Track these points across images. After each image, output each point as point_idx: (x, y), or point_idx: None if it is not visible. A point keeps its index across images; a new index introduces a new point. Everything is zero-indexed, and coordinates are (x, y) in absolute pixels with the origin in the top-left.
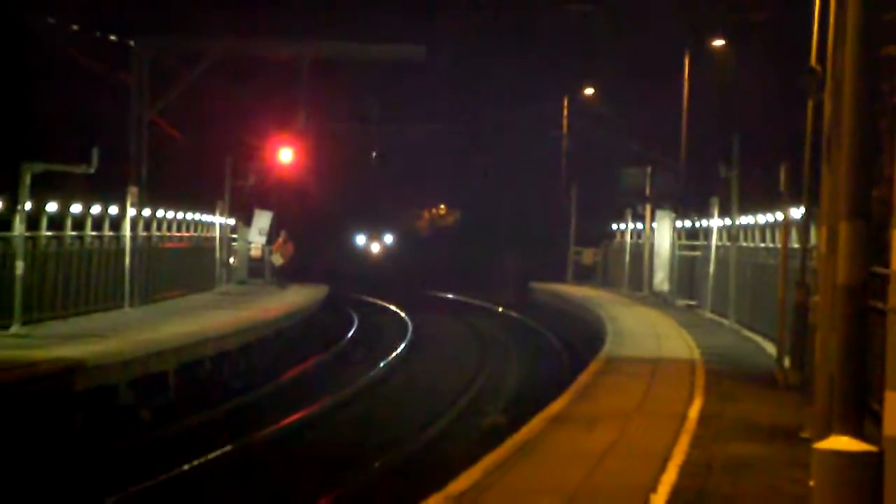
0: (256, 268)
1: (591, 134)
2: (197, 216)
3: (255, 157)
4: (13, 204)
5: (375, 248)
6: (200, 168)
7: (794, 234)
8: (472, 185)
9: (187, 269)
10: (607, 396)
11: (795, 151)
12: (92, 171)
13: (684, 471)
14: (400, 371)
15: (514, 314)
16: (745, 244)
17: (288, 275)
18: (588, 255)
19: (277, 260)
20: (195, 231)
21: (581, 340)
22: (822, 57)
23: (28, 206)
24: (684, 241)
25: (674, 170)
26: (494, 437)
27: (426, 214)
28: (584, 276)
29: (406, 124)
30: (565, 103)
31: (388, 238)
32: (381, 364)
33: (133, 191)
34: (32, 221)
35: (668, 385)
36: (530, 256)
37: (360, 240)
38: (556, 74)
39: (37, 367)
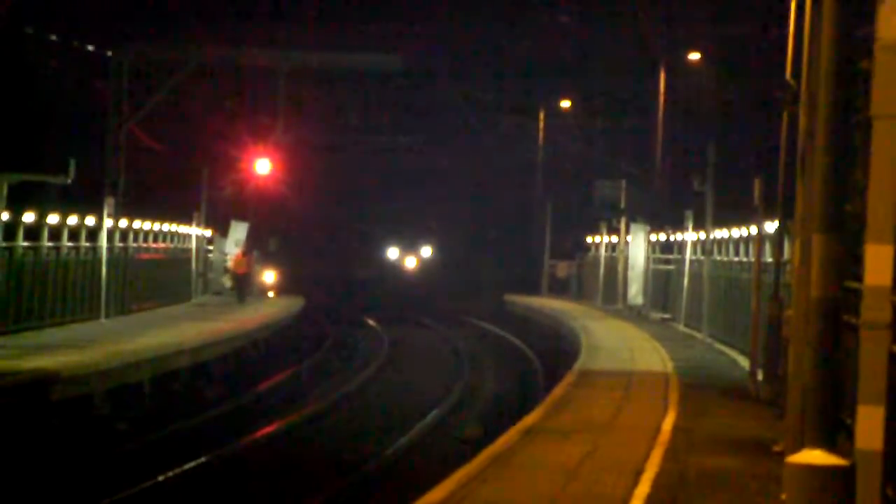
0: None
1: (566, 147)
2: (173, 227)
3: (232, 167)
4: None
5: (411, 262)
6: (177, 179)
7: (767, 248)
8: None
9: (163, 280)
10: (581, 409)
11: (770, 165)
12: (69, 181)
13: (657, 483)
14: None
15: (488, 326)
16: (719, 258)
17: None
18: (562, 269)
19: (227, 281)
20: (172, 242)
21: (555, 353)
22: (797, 71)
23: (4, 216)
24: (658, 255)
25: (649, 183)
26: (469, 449)
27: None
28: (559, 289)
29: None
30: (541, 116)
31: (426, 250)
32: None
33: (110, 201)
34: (9, 232)
35: (642, 398)
36: (505, 269)
37: (393, 253)
38: (532, 87)
39: (12, 377)
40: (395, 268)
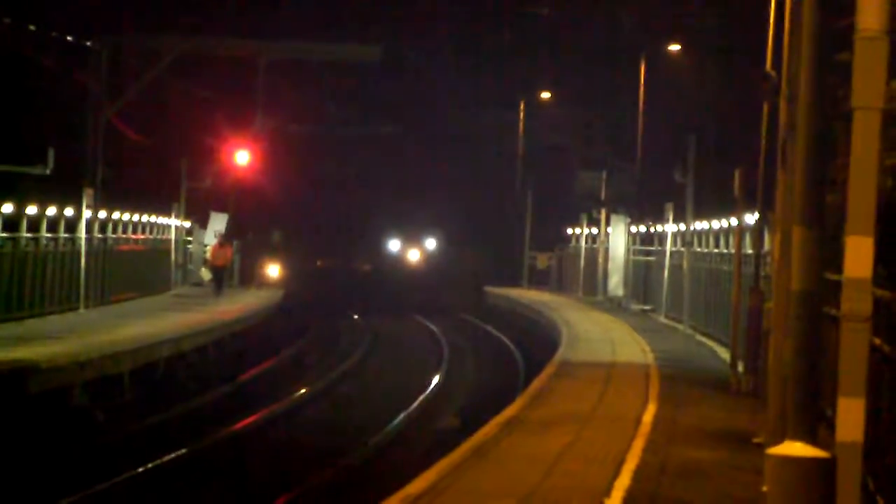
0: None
1: (546, 137)
2: (153, 218)
3: (211, 158)
4: None
5: (414, 255)
6: (157, 169)
7: (748, 240)
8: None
9: (143, 271)
10: (562, 401)
11: (750, 157)
12: (48, 172)
13: (638, 475)
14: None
15: (469, 318)
16: (699, 249)
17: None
18: (543, 260)
19: (206, 274)
20: (151, 233)
21: (536, 344)
22: (777, 62)
23: None
24: (639, 246)
25: (629, 174)
26: (449, 441)
27: None
28: (539, 280)
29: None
30: (521, 107)
31: (430, 243)
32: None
33: (89, 192)
34: None
35: (623, 390)
36: (484, 260)
37: (394, 245)
38: (512, 77)
39: None
40: (397, 261)
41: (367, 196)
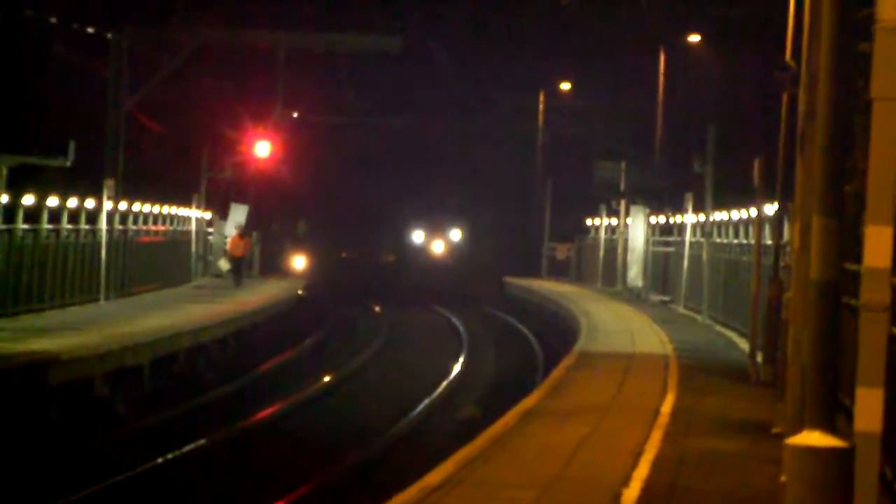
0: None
1: (566, 128)
2: (173, 210)
3: (232, 150)
4: None
5: (439, 246)
6: (177, 161)
7: (767, 230)
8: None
9: (163, 262)
10: (581, 391)
11: (770, 147)
12: (69, 164)
13: (656, 465)
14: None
15: (488, 309)
16: (718, 240)
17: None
18: (562, 251)
19: (224, 264)
20: (171, 224)
21: (555, 335)
22: (797, 52)
23: (4, 198)
24: (658, 237)
25: (649, 165)
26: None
27: None
28: (558, 271)
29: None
30: (541, 97)
31: (455, 234)
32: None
33: (109, 184)
34: (8, 214)
35: (641, 380)
36: (504, 251)
37: (418, 237)
38: (532, 68)
39: (12, 360)
40: (420, 253)
41: (389, 186)
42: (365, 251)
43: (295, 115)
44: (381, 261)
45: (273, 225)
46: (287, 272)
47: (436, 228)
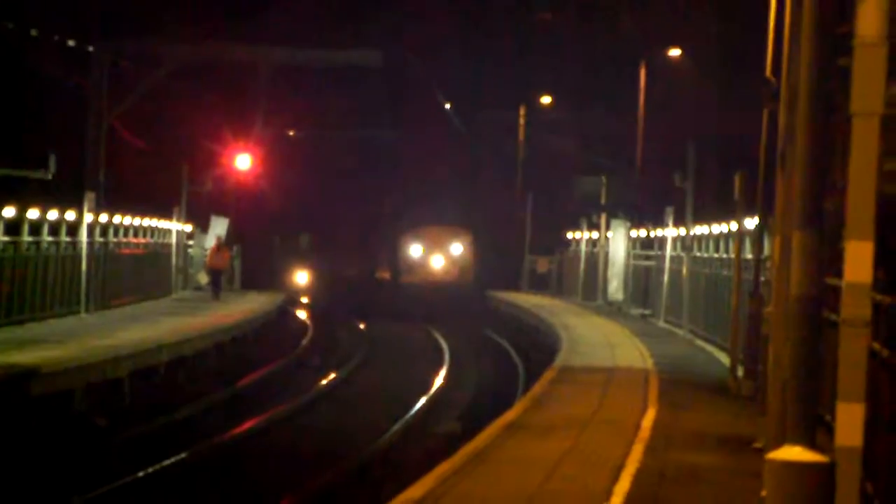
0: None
1: (547, 142)
2: (154, 222)
3: (212, 162)
4: None
5: (438, 261)
6: (158, 173)
7: (748, 245)
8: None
9: (144, 275)
10: (562, 405)
11: (750, 162)
12: (50, 176)
13: (638, 479)
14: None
15: (470, 324)
16: (699, 254)
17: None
18: (543, 264)
19: (203, 277)
20: (152, 237)
21: (535, 349)
22: (777, 67)
23: None
24: (639, 251)
25: (629, 179)
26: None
27: None
28: (539, 284)
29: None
30: (522, 112)
31: (456, 247)
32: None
33: (90, 196)
34: None
35: (622, 394)
36: (486, 264)
37: (416, 251)
38: (513, 82)
39: None
40: (419, 269)
41: (380, 201)
42: (363, 267)
43: (273, 130)
44: (378, 278)
45: (276, 238)
46: (288, 287)
47: (433, 243)
